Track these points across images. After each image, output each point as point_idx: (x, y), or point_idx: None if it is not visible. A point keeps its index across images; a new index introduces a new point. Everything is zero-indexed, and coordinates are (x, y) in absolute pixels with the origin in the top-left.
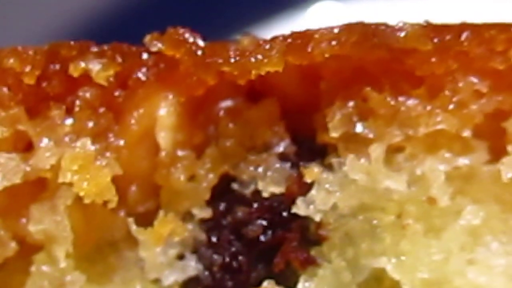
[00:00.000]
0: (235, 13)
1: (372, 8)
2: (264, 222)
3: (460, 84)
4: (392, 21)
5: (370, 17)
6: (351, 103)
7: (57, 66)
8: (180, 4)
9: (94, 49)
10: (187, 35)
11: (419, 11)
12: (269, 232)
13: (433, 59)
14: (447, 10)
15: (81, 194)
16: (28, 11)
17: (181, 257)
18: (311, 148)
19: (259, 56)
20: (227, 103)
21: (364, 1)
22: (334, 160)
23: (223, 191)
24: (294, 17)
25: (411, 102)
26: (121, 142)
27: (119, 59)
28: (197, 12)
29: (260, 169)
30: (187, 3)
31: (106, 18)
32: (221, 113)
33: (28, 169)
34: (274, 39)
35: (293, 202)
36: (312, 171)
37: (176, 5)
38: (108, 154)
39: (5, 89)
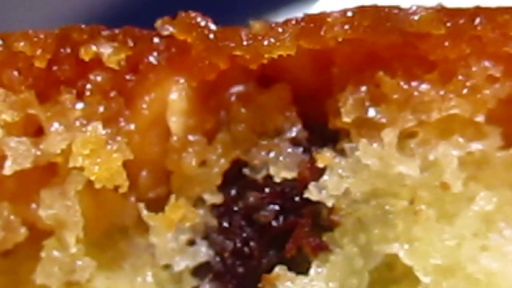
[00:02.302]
0: (241, 6)
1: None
2: (276, 207)
3: (474, 69)
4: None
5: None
6: (363, 88)
7: (68, 50)
8: (179, 3)
9: (105, 32)
10: (199, 19)
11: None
12: (281, 218)
13: (446, 44)
14: None
15: (92, 178)
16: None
17: (192, 243)
18: (323, 133)
19: (272, 40)
20: (238, 88)
21: None
22: (346, 145)
23: (235, 177)
24: (301, 10)
25: (424, 87)
26: (132, 127)
27: (131, 43)
28: (197, 9)
29: (272, 154)
30: (183, 5)
31: (117, 3)
32: (233, 98)
33: (38, 153)
34: (286, 22)
35: (305, 187)
36: (325, 156)
37: (175, 5)
38: (119, 138)
39: (15, 73)
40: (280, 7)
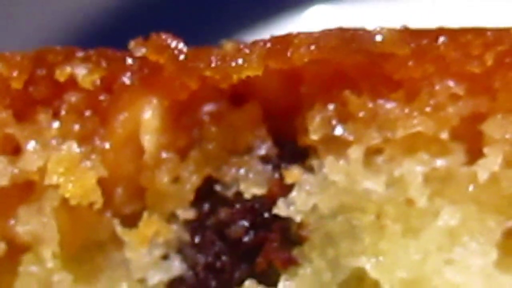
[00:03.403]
0: (231, 16)
1: (367, 11)
2: (246, 223)
3: (437, 88)
4: (385, 24)
5: (364, 20)
6: (331, 106)
7: (44, 71)
8: (177, 5)
9: (80, 54)
10: (170, 40)
11: (412, 12)
12: (251, 233)
13: (410, 63)
14: (441, 11)
15: (67, 195)
16: (14, 20)
17: (165, 257)
18: (292, 150)
19: (240, 61)
20: (210, 107)
21: (358, 4)
22: (314, 162)
23: (207, 193)
24: (289, 20)
25: (389, 105)
26: (107, 145)
27: (104, 64)
28: (193, 15)
29: (242, 171)
30: (183, 5)
31: (92, 24)
32: (205, 116)
33: (15, 171)
34: (254, 43)
35: (274, 203)
36: (293, 173)
37: (173, 6)
38: (93, 156)
39: None
40: (271, 16)
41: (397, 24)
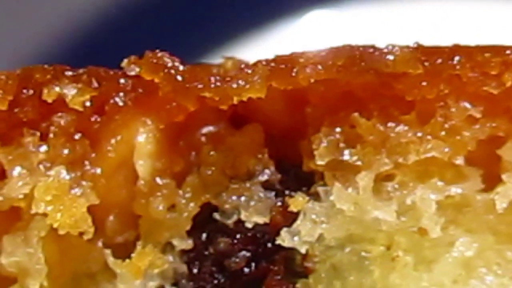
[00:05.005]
0: (228, 21)
1: (365, 16)
2: (248, 254)
3: (452, 110)
4: (383, 27)
5: (364, 26)
6: (338, 129)
7: (30, 91)
8: (172, 11)
9: (69, 73)
10: (166, 59)
11: (411, 16)
12: (253, 264)
13: (424, 83)
14: (440, 14)
15: (55, 225)
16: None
17: None
18: (297, 176)
19: (241, 82)
20: (209, 129)
21: (357, 9)
22: (320, 189)
23: (205, 221)
24: (288, 25)
25: (400, 128)
26: (98, 170)
27: (95, 84)
28: (193, 18)
29: (243, 199)
30: (178, 11)
31: (84, 40)
32: (203, 139)
33: (0, 198)
34: (256, 63)
35: (277, 233)
36: (297, 201)
37: (169, 12)
38: (84, 183)
39: None
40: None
41: (395, 28)
